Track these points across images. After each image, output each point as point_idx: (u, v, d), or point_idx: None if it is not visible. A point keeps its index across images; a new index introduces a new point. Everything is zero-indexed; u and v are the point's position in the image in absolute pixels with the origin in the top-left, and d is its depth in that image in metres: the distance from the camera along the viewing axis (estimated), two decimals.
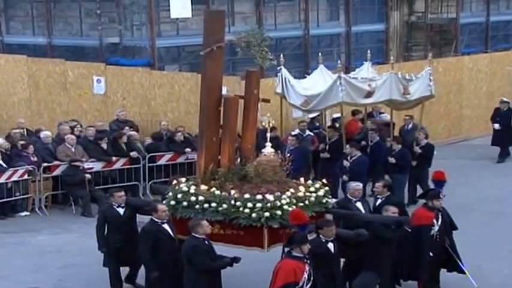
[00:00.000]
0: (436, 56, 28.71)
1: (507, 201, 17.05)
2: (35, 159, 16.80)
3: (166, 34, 25.18)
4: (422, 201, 12.46)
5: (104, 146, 17.54)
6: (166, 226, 11.17)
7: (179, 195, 11.42)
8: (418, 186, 16.57)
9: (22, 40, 26.87)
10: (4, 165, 16.37)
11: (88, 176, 16.79)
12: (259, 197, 10.98)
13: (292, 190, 11.28)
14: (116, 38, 25.15)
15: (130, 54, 25.07)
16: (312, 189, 11.56)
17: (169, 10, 24.19)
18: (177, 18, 24.75)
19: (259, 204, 10.87)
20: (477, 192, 17.62)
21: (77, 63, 21.51)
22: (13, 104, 21.96)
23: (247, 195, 11.04)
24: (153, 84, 19.96)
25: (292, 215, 10.47)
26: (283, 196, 11.03)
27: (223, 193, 11.20)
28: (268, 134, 11.82)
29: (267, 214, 10.81)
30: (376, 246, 11.08)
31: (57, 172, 16.95)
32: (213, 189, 11.31)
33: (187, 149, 18.02)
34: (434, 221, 11.73)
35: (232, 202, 11.01)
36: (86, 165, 17.00)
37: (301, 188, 11.44)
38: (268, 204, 10.86)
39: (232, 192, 11.14)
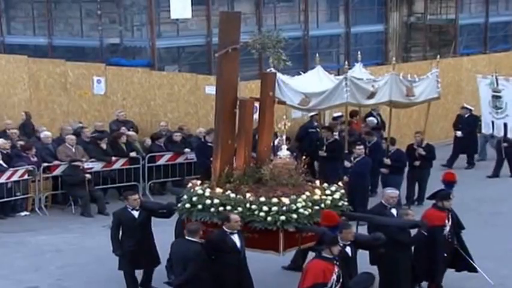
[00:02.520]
0: (435, 57, 28.75)
1: (504, 201, 17.14)
2: (35, 159, 16.88)
3: (166, 35, 25.19)
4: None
5: (104, 146, 17.64)
6: (235, 237, 10.71)
7: (194, 198, 11.30)
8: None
9: (23, 40, 26.85)
10: (4, 165, 16.44)
11: (88, 176, 16.88)
12: (274, 200, 10.88)
13: (307, 193, 11.20)
14: (116, 38, 25.16)
15: (130, 55, 25.10)
16: (327, 192, 11.50)
17: (169, 11, 24.21)
18: (177, 19, 24.76)
19: (274, 208, 10.77)
20: (474, 192, 17.64)
21: (77, 63, 21.55)
22: (13, 105, 22.01)
23: (262, 199, 10.94)
24: (152, 84, 20.02)
25: (324, 216, 10.46)
26: (299, 199, 10.94)
27: (239, 196, 11.09)
28: (284, 136, 11.86)
29: (282, 217, 10.71)
30: (392, 250, 11.02)
31: (57, 172, 17.03)
32: (228, 192, 11.21)
33: (187, 149, 18.10)
34: (446, 221, 11.76)
35: (248, 205, 10.91)
36: (86, 165, 17.08)
37: (317, 191, 11.36)
38: (284, 208, 10.77)
39: (248, 195, 11.04)
